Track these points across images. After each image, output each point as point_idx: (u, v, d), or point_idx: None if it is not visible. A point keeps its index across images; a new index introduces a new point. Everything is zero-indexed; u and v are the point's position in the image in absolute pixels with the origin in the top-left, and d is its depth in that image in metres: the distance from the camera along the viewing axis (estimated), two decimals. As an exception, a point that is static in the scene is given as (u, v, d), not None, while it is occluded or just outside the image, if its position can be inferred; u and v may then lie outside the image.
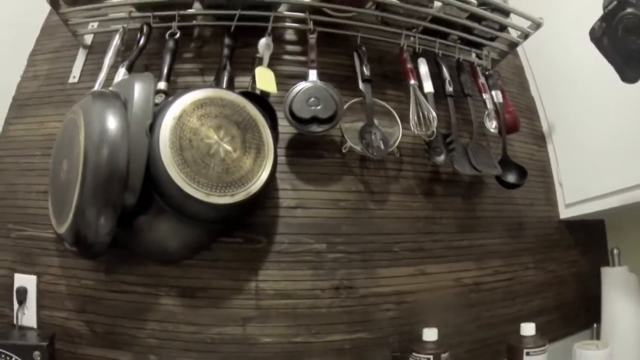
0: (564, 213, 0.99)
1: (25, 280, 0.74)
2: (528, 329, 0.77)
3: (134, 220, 0.66)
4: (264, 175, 0.66)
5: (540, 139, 1.07)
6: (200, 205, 0.61)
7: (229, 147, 0.66)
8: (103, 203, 0.58)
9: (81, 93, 0.81)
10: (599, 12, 0.64)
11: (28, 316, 0.73)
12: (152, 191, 0.63)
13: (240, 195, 0.63)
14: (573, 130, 1.00)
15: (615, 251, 0.91)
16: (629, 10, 0.59)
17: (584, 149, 0.95)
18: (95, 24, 0.91)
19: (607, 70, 0.65)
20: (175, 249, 0.71)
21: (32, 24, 0.98)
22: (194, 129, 0.64)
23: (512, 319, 0.84)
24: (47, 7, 0.83)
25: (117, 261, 0.73)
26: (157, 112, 0.64)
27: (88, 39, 0.94)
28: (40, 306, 0.74)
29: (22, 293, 0.73)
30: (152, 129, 0.62)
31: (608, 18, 0.62)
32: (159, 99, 0.71)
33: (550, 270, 0.94)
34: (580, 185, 0.95)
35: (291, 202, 0.79)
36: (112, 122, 0.60)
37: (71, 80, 0.90)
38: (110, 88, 0.70)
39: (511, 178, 0.87)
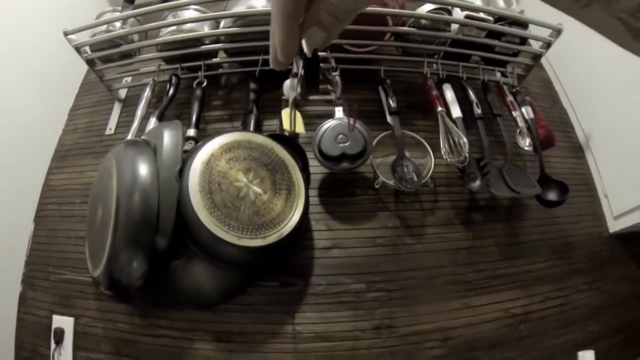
0: (614, 226, 0.93)
1: (63, 322, 0.75)
2: (587, 357, 0.71)
3: (168, 265, 0.66)
4: (295, 216, 0.65)
5: (578, 151, 1.02)
6: (232, 249, 0.60)
7: (258, 189, 0.65)
8: (135, 247, 0.57)
9: (117, 143, 0.83)
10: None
11: (64, 357, 0.74)
12: (184, 235, 0.62)
13: (272, 238, 0.62)
14: (611, 137, 0.95)
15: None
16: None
17: (626, 156, 0.90)
18: (130, 79, 0.97)
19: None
20: (210, 293, 0.70)
21: (74, 80, 1.05)
22: (222, 173, 0.64)
23: (569, 348, 0.78)
24: (85, 66, 0.89)
25: (153, 305, 0.73)
26: (187, 158, 0.65)
27: (122, 93, 1.00)
28: (76, 347, 0.74)
29: (60, 334, 0.74)
30: (182, 174, 0.63)
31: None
32: (189, 145, 0.73)
33: (606, 290, 0.87)
34: (627, 194, 0.89)
35: (327, 242, 0.78)
36: (143, 169, 0.61)
37: (107, 132, 0.96)
38: (142, 137, 0.72)
39: (552, 196, 0.82)
